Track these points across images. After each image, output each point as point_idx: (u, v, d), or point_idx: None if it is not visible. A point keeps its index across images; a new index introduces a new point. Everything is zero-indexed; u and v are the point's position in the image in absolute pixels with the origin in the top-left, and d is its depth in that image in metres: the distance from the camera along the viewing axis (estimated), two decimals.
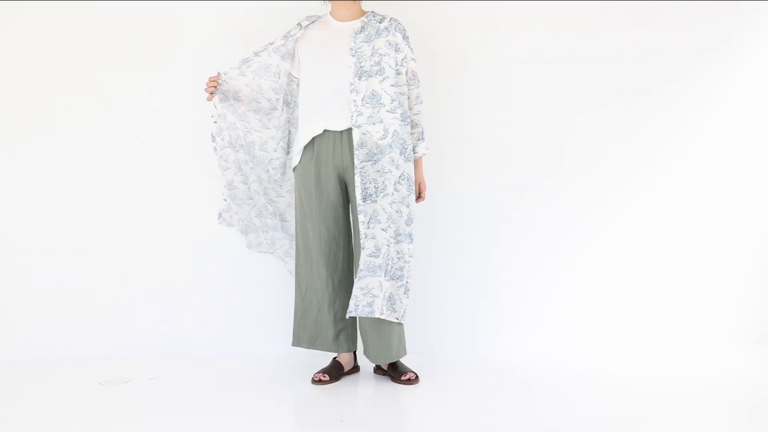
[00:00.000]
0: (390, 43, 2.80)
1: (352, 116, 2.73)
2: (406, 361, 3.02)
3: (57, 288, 3.25)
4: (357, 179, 2.71)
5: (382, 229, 2.73)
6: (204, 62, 3.26)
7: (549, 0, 3.37)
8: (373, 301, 2.71)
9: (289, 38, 2.85)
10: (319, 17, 2.91)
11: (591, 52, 3.39)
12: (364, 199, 2.72)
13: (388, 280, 2.76)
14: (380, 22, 2.83)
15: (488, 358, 3.18)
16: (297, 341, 2.94)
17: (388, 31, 2.81)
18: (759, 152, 3.50)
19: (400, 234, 2.79)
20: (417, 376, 2.84)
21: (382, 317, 2.75)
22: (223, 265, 3.29)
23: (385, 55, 2.77)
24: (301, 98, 2.85)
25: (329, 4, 2.90)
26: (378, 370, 2.99)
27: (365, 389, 2.80)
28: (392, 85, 2.77)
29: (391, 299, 2.77)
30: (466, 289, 3.36)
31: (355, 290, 2.72)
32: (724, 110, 3.48)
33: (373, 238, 2.71)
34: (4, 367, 3.10)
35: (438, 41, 3.33)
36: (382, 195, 2.72)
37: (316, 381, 2.84)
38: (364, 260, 2.71)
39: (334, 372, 2.89)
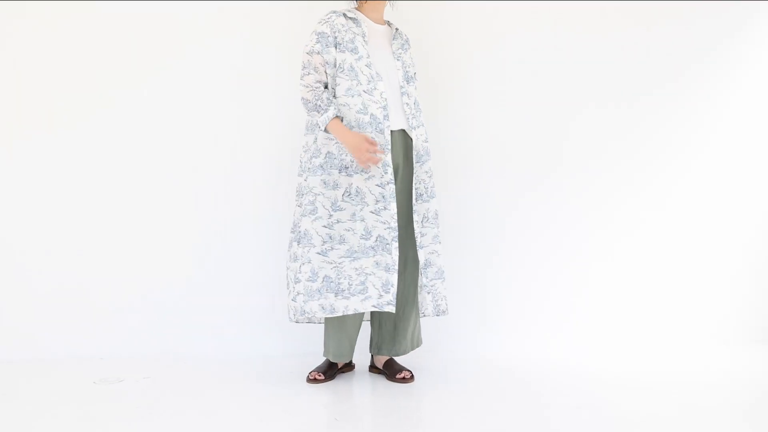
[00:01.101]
0: (411, 57, 2.94)
1: (407, 119, 2.81)
2: (403, 359, 3.01)
3: (53, 288, 3.25)
4: (414, 179, 2.81)
5: (436, 233, 2.88)
6: (203, 62, 3.28)
7: (549, 0, 3.37)
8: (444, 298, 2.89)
9: (327, 36, 2.75)
10: (349, 12, 2.82)
11: (591, 52, 3.39)
12: (416, 199, 2.81)
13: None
14: (400, 34, 2.92)
15: (487, 357, 3.16)
16: (327, 352, 2.92)
17: (409, 43, 2.94)
18: (758, 152, 3.48)
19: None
20: (412, 375, 2.84)
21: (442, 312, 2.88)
22: (218, 264, 3.28)
23: (413, 65, 2.92)
24: (347, 92, 2.75)
25: (357, 2, 2.87)
26: (373, 368, 2.98)
27: (361, 388, 2.79)
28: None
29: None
30: (466, 288, 3.34)
31: (441, 290, 2.86)
32: (724, 110, 3.47)
33: (435, 237, 2.85)
34: (0, 367, 3.08)
35: (438, 41, 3.34)
36: (432, 197, 2.86)
37: (311, 380, 2.83)
38: (435, 261, 2.84)
39: (329, 371, 2.88)
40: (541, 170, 3.38)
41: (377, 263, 2.69)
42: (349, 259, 2.70)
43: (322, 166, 2.73)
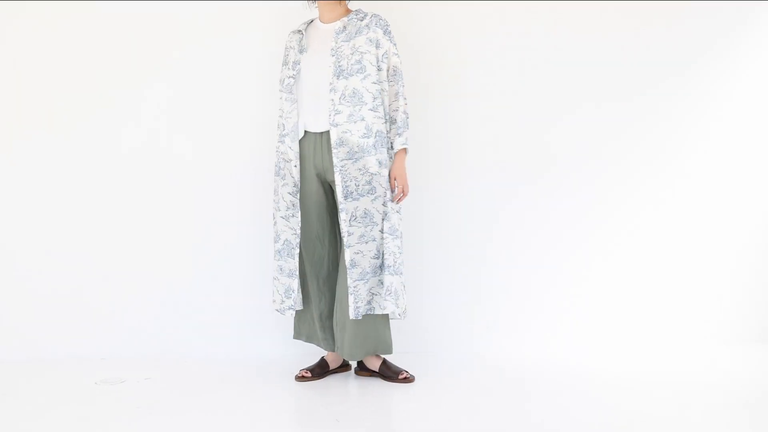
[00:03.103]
0: (370, 40, 2.78)
1: (330, 115, 2.73)
2: (399, 361, 3.00)
3: (53, 288, 3.25)
4: (337, 178, 2.72)
5: (380, 230, 2.76)
6: (203, 61, 3.27)
7: (543, 0, 3.36)
8: (375, 298, 2.79)
9: (290, 50, 2.89)
10: (311, 21, 2.92)
11: (585, 52, 3.37)
12: (345, 197, 2.73)
13: (392, 275, 2.76)
14: (361, 20, 2.81)
15: (484, 357, 3.16)
16: (297, 334, 3.03)
17: (369, 28, 2.78)
18: (756, 152, 3.48)
19: (396, 230, 2.80)
20: (411, 375, 2.84)
21: (390, 314, 2.79)
22: (218, 265, 3.29)
23: (366, 53, 2.76)
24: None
25: (314, 7, 2.90)
26: (361, 371, 2.95)
27: (360, 389, 2.79)
28: (374, 83, 2.76)
29: (396, 294, 2.77)
30: (462, 288, 3.35)
31: (362, 292, 2.74)
32: (721, 109, 3.45)
33: (373, 240, 2.75)
34: (0, 367, 3.09)
35: (430, 40, 3.32)
36: (370, 195, 2.73)
37: (299, 377, 2.86)
38: (369, 262, 2.75)
39: (318, 370, 2.90)
40: (537, 169, 3.37)
41: (281, 268, 2.85)
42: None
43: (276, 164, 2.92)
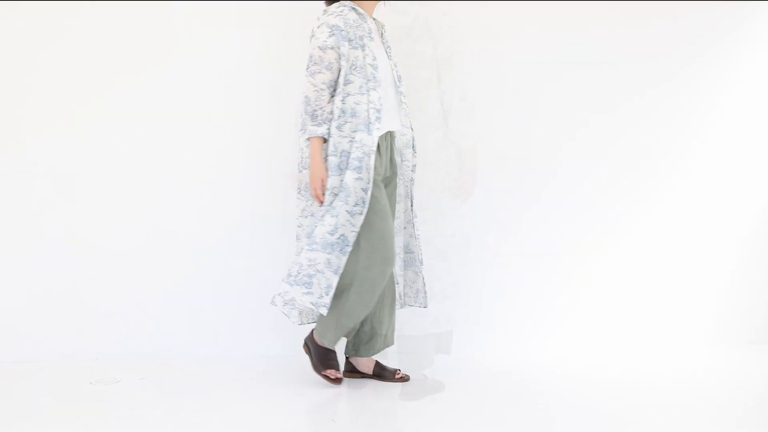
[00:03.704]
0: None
1: (401, 118, 2.81)
2: (399, 362, 3.01)
3: (47, 288, 3.23)
4: (403, 180, 2.86)
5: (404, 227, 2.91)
6: (202, 60, 3.27)
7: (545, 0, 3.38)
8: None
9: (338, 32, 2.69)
10: (357, 7, 2.75)
11: (584, 50, 3.38)
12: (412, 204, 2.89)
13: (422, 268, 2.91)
14: (385, 30, 2.87)
15: (482, 359, 3.16)
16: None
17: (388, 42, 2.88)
18: (754, 154, 3.50)
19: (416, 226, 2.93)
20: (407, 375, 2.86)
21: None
22: (214, 265, 3.28)
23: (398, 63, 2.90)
24: (360, 90, 2.70)
25: None
26: (351, 373, 2.91)
27: (356, 390, 2.78)
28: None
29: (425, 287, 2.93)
30: (459, 290, 3.31)
31: (419, 285, 2.88)
32: (719, 112, 3.47)
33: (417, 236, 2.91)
34: None
35: (432, 40, 3.27)
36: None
37: (330, 377, 2.77)
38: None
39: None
40: (534, 170, 3.37)
41: (329, 262, 2.65)
42: (309, 249, 2.66)
43: (339, 166, 2.70)
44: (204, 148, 3.28)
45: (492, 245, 3.37)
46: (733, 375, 2.97)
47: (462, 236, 3.28)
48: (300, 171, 2.79)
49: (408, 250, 2.91)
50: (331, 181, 2.67)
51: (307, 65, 2.69)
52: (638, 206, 3.45)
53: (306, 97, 2.69)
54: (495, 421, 2.40)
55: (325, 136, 2.68)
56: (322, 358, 2.77)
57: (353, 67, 2.67)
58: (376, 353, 2.87)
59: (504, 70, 3.37)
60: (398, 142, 2.84)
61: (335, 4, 2.73)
